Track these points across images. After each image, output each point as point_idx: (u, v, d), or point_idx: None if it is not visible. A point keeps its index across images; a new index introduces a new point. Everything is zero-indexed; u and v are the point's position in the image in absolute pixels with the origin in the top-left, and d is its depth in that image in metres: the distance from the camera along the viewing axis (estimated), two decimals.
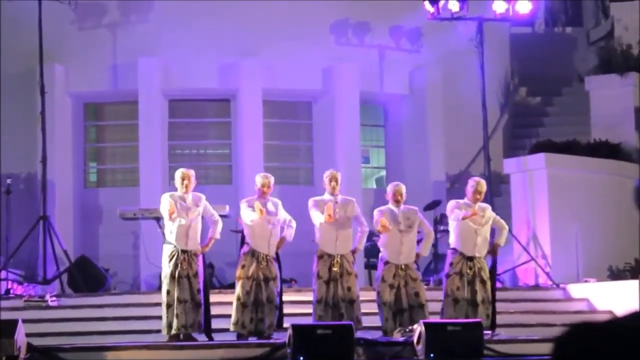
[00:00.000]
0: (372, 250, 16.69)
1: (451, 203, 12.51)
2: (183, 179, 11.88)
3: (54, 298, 13.61)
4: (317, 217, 11.85)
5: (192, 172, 12.05)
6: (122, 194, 17.72)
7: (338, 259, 11.93)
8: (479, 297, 12.08)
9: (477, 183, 12.46)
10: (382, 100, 19.19)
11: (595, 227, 15.92)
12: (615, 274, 15.65)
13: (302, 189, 18.34)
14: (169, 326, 11.67)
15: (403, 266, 12.05)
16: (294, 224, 12.19)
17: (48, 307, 13.37)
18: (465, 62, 17.71)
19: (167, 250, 11.88)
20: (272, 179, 12.15)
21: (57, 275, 14.97)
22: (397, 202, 12.24)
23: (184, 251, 11.76)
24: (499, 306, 12.77)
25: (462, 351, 10.62)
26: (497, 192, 17.62)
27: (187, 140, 18.67)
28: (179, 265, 11.70)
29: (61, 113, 17.62)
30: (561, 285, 14.96)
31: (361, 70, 18.27)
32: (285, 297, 12.73)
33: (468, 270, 12.12)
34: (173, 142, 18.31)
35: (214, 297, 13.35)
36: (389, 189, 12.44)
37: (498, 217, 12.70)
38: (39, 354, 10.54)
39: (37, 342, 10.79)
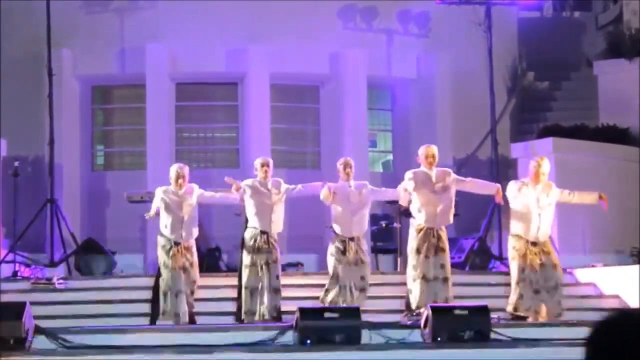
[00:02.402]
0: (379, 235, 16.70)
1: (511, 185, 11.93)
2: (177, 178, 12.13)
3: (61, 281, 13.60)
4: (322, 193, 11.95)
5: (186, 170, 12.26)
6: (129, 177, 17.73)
7: (352, 245, 11.96)
8: (551, 284, 11.70)
9: (538, 163, 11.79)
10: (390, 84, 19.15)
11: (602, 212, 15.85)
12: (622, 259, 15.62)
13: (309, 173, 18.34)
14: (163, 313, 11.91)
15: (435, 233, 11.80)
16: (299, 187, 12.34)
17: (55, 290, 13.37)
18: (473, 46, 17.65)
19: (160, 241, 12.13)
20: (270, 161, 12.29)
21: (64, 257, 14.98)
22: (430, 165, 11.97)
23: (177, 243, 11.97)
24: (507, 290, 12.71)
25: (470, 335, 10.61)
26: (505, 177, 17.57)
27: (194, 124, 18.67)
28: (173, 256, 11.90)
29: (69, 96, 17.64)
30: (568, 270, 14.90)
31: (369, 55, 18.24)
32: (292, 281, 12.75)
33: (533, 257, 11.65)
34: (180, 126, 18.32)
35: (220, 281, 13.39)
36: (421, 151, 12.10)
37: (566, 192, 12.03)
38: (46, 336, 10.54)
39: (44, 324, 10.80)
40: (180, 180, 12.10)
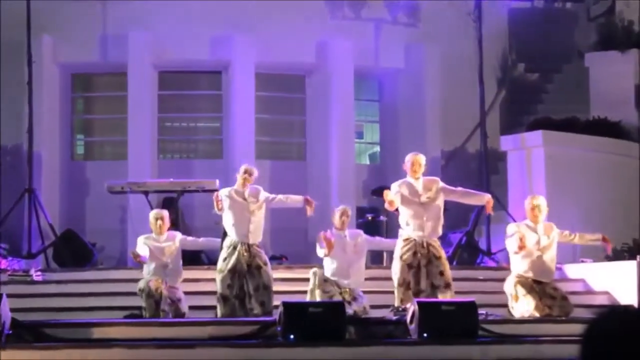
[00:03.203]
0: (366, 228, 16.46)
1: (510, 227, 11.62)
2: (157, 220, 11.97)
3: (38, 272, 13.44)
4: (320, 251, 11.69)
5: (165, 213, 12.12)
6: (110, 167, 17.51)
7: (347, 289, 11.74)
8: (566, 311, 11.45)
9: (532, 198, 11.61)
10: (377, 74, 18.95)
11: (593, 206, 15.74)
12: (613, 255, 15.42)
13: (294, 164, 18.17)
14: None
15: (425, 244, 11.30)
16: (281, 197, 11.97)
17: (33, 282, 13.22)
18: (463, 36, 17.44)
19: (141, 284, 11.87)
20: (253, 171, 11.89)
21: (42, 249, 14.84)
22: (415, 173, 11.44)
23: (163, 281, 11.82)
24: (495, 286, 12.57)
25: (457, 331, 10.41)
26: (494, 170, 17.39)
27: (177, 113, 18.43)
28: (155, 294, 11.70)
29: (49, 84, 17.42)
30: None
31: (356, 44, 18.04)
32: (276, 275, 12.51)
33: (542, 296, 11.41)
34: (163, 115, 18.10)
35: (202, 274, 13.16)
36: (407, 159, 11.60)
37: (567, 232, 11.86)
38: (23, 330, 10.30)
39: (20, 317, 10.58)
40: (159, 222, 11.91)
